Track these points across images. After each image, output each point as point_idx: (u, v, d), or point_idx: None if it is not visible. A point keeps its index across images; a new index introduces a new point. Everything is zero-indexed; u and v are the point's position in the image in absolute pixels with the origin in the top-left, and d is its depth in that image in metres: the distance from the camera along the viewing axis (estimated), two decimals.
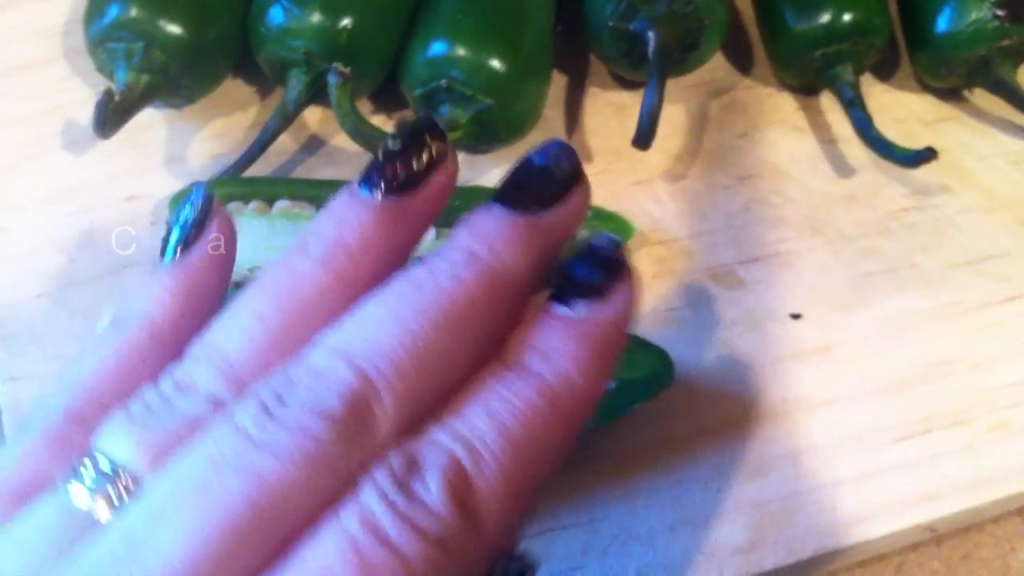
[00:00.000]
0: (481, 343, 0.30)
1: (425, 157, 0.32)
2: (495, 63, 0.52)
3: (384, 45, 0.55)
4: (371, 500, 0.27)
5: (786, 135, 0.58)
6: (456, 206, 0.52)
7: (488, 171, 0.57)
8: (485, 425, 0.28)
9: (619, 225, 0.53)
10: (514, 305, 0.31)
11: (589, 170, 0.54)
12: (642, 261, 0.54)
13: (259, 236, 0.51)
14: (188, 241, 0.34)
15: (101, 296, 0.53)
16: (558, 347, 0.30)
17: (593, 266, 0.32)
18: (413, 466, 0.27)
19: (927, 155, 0.53)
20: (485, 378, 0.30)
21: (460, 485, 0.27)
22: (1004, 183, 0.56)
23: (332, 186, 0.53)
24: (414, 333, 0.29)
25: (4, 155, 0.58)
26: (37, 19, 0.62)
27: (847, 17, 0.55)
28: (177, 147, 0.58)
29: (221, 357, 0.30)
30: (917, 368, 0.51)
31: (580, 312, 0.31)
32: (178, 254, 0.33)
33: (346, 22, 0.53)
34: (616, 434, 0.50)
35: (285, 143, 0.57)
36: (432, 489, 0.27)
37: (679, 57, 0.55)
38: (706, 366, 0.52)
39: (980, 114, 0.58)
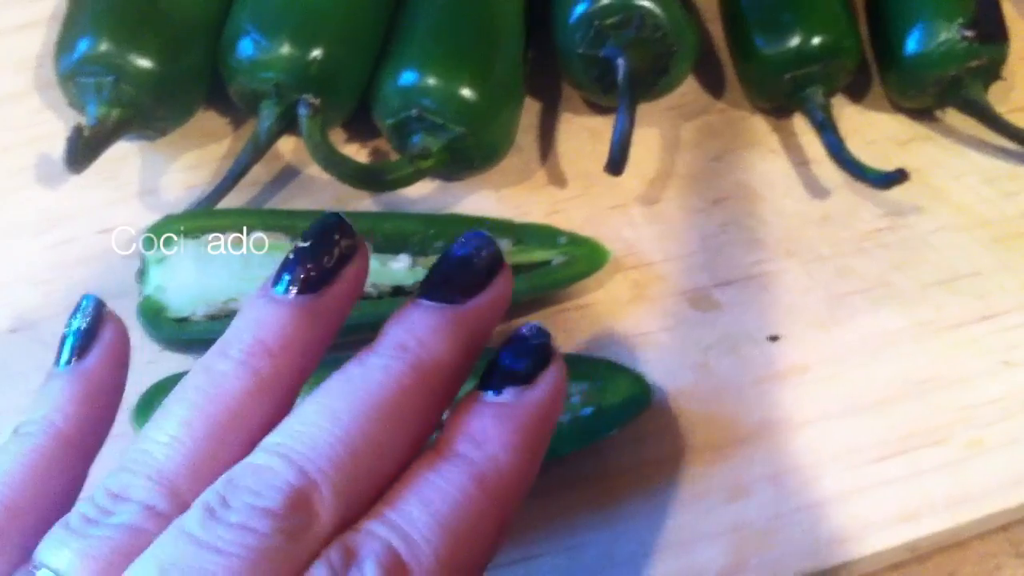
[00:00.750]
0: (415, 430, 0.32)
1: (336, 253, 0.35)
2: (466, 91, 0.52)
3: (355, 75, 0.55)
4: None
5: (760, 157, 0.58)
6: (431, 234, 0.53)
7: (462, 199, 0.57)
8: (419, 513, 0.30)
9: (593, 250, 0.53)
10: (446, 391, 0.33)
11: (564, 195, 0.57)
12: (617, 286, 0.54)
13: (233, 268, 0.51)
14: (82, 348, 0.35)
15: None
16: (488, 433, 0.32)
17: (520, 354, 0.34)
18: (351, 556, 0.29)
19: (899, 176, 0.53)
20: (420, 468, 0.31)
21: (395, 572, 0.29)
22: (977, 201, 0.56)
23: (306, 216, 0.53)
24: (349, 427, 0.30)
25: None
26: (10, 52, 0.62)
27: (816, 40, 0.55)
28: (151, 179, 0.57)
29: (152, 465, 0.31)
30: (895, 387, 0.51)
31: (508, 398, 0.33)
32: (73, 361, 0.35)
33: (316, 53, 0.53)
34: (594, 459, 0.50)
35: (258, 173, 0.57)
36: None
37: (650, 82, 0.56)
38: (684, 389, 0.51)
39: (952, 133, 0.58)
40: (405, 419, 0.32)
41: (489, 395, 0.33)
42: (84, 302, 0.36)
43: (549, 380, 0.34)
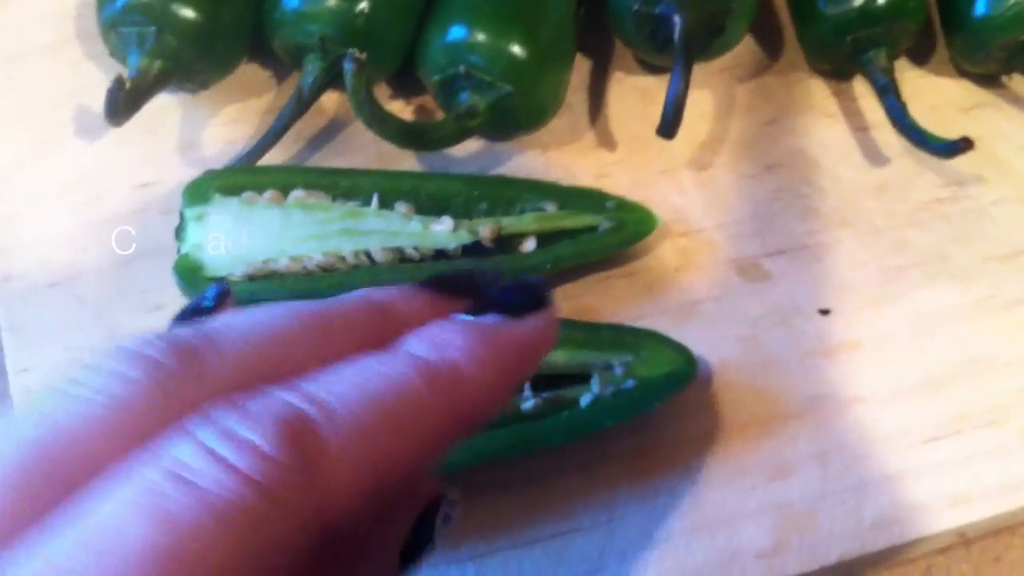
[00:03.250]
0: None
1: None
2: (515, 49, 0.51)
3: (401, 30, 0.54)
4: (181, 442, 0.23)
5: (816, 122, 0.56)
6: (475, 196, 0.51)
7: (508, 160, 0.56)
8: (345, 386, 0.26)
9: (642, 215, 0.52)
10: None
11: (612, 158, 0.55)
12: (665, 253, 0.53)
13: (273, 227, 0.50)
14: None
15: (112, 287, 0.52)
16: (453, 340, 0.28)
17: (513, 291, 0.31)
18: (242, 412, 0.24)
19: (963, 145, 0.51)
20: (358, 356, 0.27)
21: (300, 431, 0.24)
22: None
23: (348, 175, 0.52)
24: (283, 326, 0.27)
25: (15, 142, 0.57)
26: (49, 2, 0.61)
27: (880, 0, 0.53)
28: (191, 133, 0.57)
29: None
30: (948, 366, 0.50)
31: (487, 320, 0.30)
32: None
33: (362, 6, 0.52)
34: (635, 432, 0.49)
35: (301, 129, 0.56)
36: (258, 432, 0.23)
37: (705, 42, 0.54)
38: (730, 362, 0.50)
39: (1018, 101, 0.56)
40: (337, 330, 0.29)
41: (466, 316, 0.30)
42: (209, 291, 0.32)
43: (536, 320, 0.30)
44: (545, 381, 0.48)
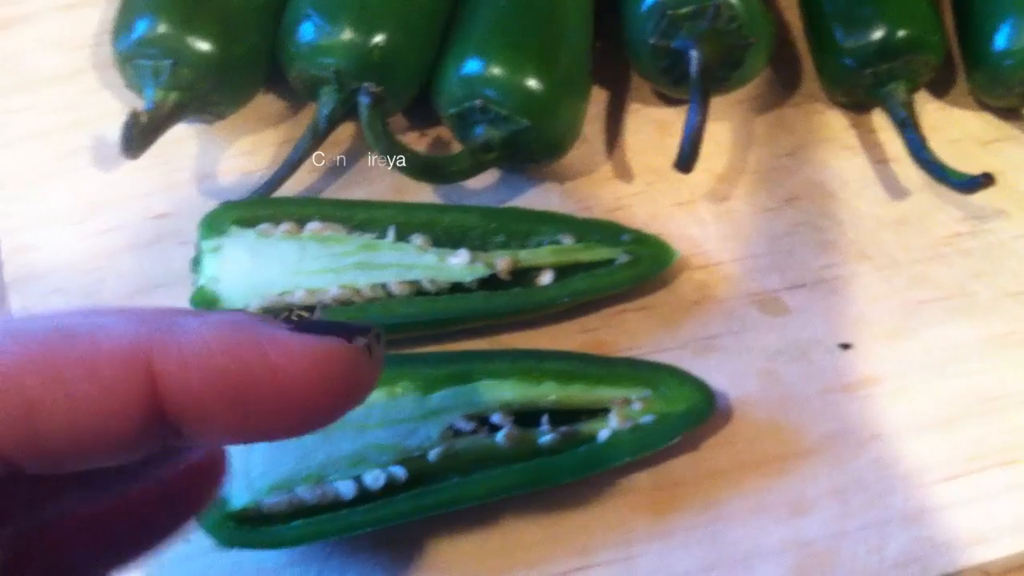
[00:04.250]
0: None
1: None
2: (531, 82, 0.51)
3: (417, 62, 0.54)
4: None
5: (835, 154, 0.56)
6: (492, 228, 0.51)
7: (525, 191, 0.55)
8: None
9: (659, 249, 0.52)
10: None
11: (629, 190, 0.55)
12: (682, 286, 0.52)
13: (289, 259, 0.50)
14: None
15: None
16: (190, 324, 0.26)
17: (325, 323, 0.27)
18: None
19: (983, 181, 0.51)
20: None
21: None
22: None
23: (364, 207, 0.52)
24: None
25: (31, 170, 0.57)
26: (65, 30, 0.61)
27: (900, 34, 0.52)
28: (207, 164, 0.56)
29: None
30: (967, 403, 0.49)
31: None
32: None
33: (378, 39, 0.52)
34: (653, 467, 0.48)
35: (317, 161, 0.56)
36: None
37: (723, 75, 0.53)
38: (748, 397, 0.50)
39: None
40: None
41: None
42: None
43: (328, 348, 0.26)
44: (563, 416, 0.47)
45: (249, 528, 0.45)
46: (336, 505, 0.46)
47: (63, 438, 0.25)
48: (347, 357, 0.26)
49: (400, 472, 0.46)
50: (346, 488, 0.46)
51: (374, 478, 0.46)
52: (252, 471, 0.46)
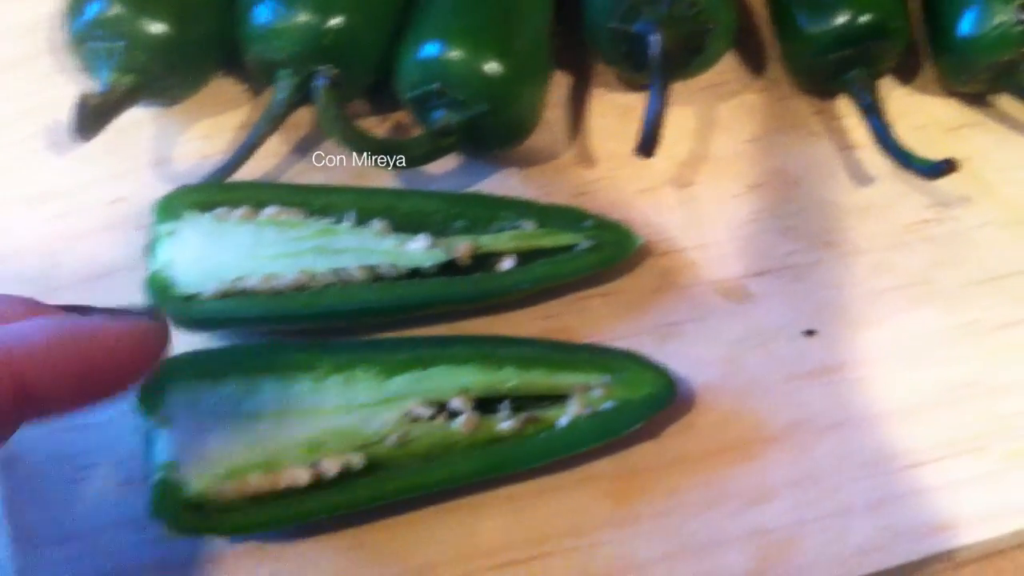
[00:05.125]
0: None
1: None
2: (490, 66, 0.50)
3: (374, 46, 0.53)
4: None
5: (800, 141, 0.55)
6: (452, 214, 0.51)
7: (486, 177, 0.55)
8: None
9: (621, 235, 0.51)
10: None
11: (591, 176, 0.54)
12: (645, 273, 0.52)
13: (245, 244, 0.49)
14: None
15: (86, 300, 0.50)
16: (34, 330, 0.36)
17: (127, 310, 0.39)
18: None
19: (947, 167, 0.50)
20: None
21: None
22: None
23: (323, 192, 0.51)
24: None
25: None
26: (19, 12, 0.60)
27: (863, 19, 0.52)
28: (164, 148, 0.56)
29: None
30: (932, 391, 0.49)
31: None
32: None
33: (334, 22, 0.51)
34: (614, 455, 0.48)
35: (275, 146, 0.55)
36: None
37: (683, 61, 0.53)
38: (710, 384, 0.49)
39: (1005, 120, 0.55)
40: None
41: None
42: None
43: (118, 326, 0.38)
44: (523, 402, 0.47)
45: (204, 516, 0.45)
46: (292, 492, 0.45)
47: None
48: (153, 328, 0.39)
49: (357, 459, 0.45)
50: (301, 475, 0.45)
51: (330, 464, 0.45)
52: (206, 458, 0.45)
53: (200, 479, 0.45)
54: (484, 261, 0.50)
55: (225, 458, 0.45)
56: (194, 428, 0.45)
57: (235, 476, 0.45)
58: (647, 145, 0.49)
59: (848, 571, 0.45)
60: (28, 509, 0.47)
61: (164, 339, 0.40)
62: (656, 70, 0.50)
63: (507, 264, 0.50)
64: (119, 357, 0.37)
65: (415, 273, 0.50)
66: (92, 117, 0.50)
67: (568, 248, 0.51)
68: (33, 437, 0.44)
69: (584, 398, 0.47)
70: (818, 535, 0.46)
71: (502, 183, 0.54)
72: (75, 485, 0.48)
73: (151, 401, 0.45)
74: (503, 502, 0.47)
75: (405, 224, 0.51)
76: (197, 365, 0.46)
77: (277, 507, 0.45)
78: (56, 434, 0.48)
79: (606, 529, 0.47)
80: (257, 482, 0.45)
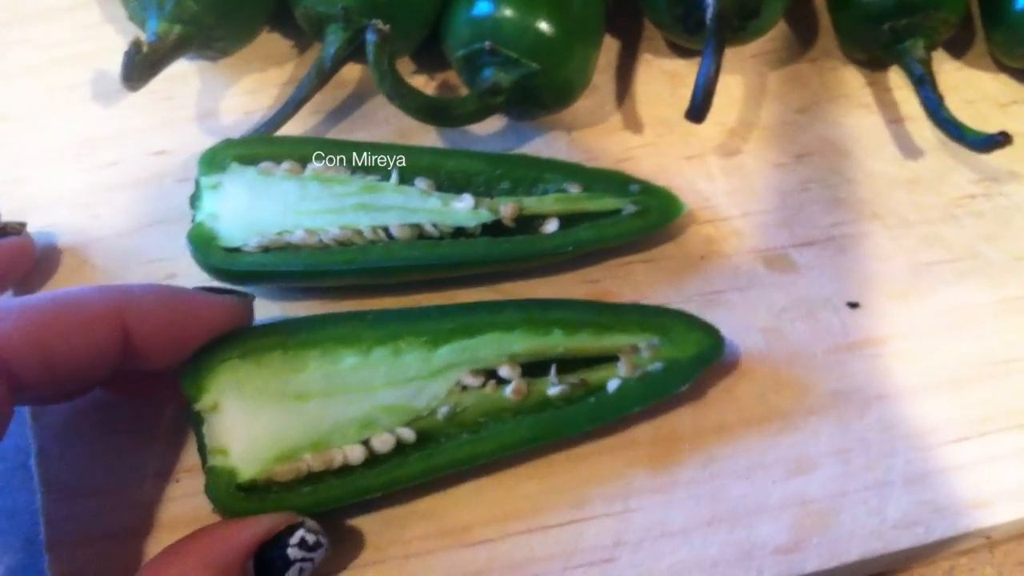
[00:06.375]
0: None
1: None
2: (542, 26, 0.50)
3: (426, 2, 0.53)
4: None
5: (849, 112, 0.55)
6: (497, 175, 0.50)
7: (532, 139, 0.54)
8: None
9: (667, 201, 0.51)
10: None
11: (638, 141, 0.54)
12: (689, 240, 0.52)
13: (289, 198, 0.49)
14: None
15: (126, 253, 0.52)
16: (143, 291, 0.42)
17: (219, 288, 0.46)
18: None
19: (1000, 140, 0.50)
20: None
21: None
22: None
23: (368, 148, 0.51)
24: None
25: (29, 103, 0.56)
26: None
27: None
28: (209, 102, 0.56)
29: None
30: (976, 365, 0.49)
31: None
32: None
33: None
34: (655, 421, 0.48)
35: (321, 102, 0.55)
36: None
37: (739, 25, 0.52)
38: (752, 354, 0.49)
39: None
40: None
41: None
42: None
43: None
44: (571, 366, 0.47)
45: (258, 498, 0.44)
46: (345, 470, 0.45)
47: (66, 370, 0.40)
48: (238, 303, 0.45)
49: (408, 434, 0.45)
50: (354, 453, 0.45)
51: (382, 441, 0.45)
52: (258, 442, 0.44)
53: (252, 463, 0.44)
54: (527, 223, 0.50)
55: (276, 440, 0.44)
56: (243, 411, 0.44)
57: (287, 458, 0.44)
58: (698, 109, 0.49)
59: (885, 545, 0.45)
60: (59, 462, 0.47)
61: (248, 315, 0.46)
62: (713, 31, 0.50)
63: (551, 227, 0.50)
64: (209, 324, 0.43)
65: (459, 232, 0.49)
66: (142, 66, 0.50)
67: (612, 213, 0.50)
68: None
69: (632, 359, 0.46)
70: (857, 507, 0.46)
71: (547, 146, 0.54)
72: (107, 439, 0.48)
73: (196, 386, 0.44)
74: (541, 467, 0.47)
75: (449, 184, 0.50)
76: (241, 345, 0.45)
77: (331, 487, 0.44)
78: None
79: (643, 495, 0.46)
80: (310, 462, 0.44)
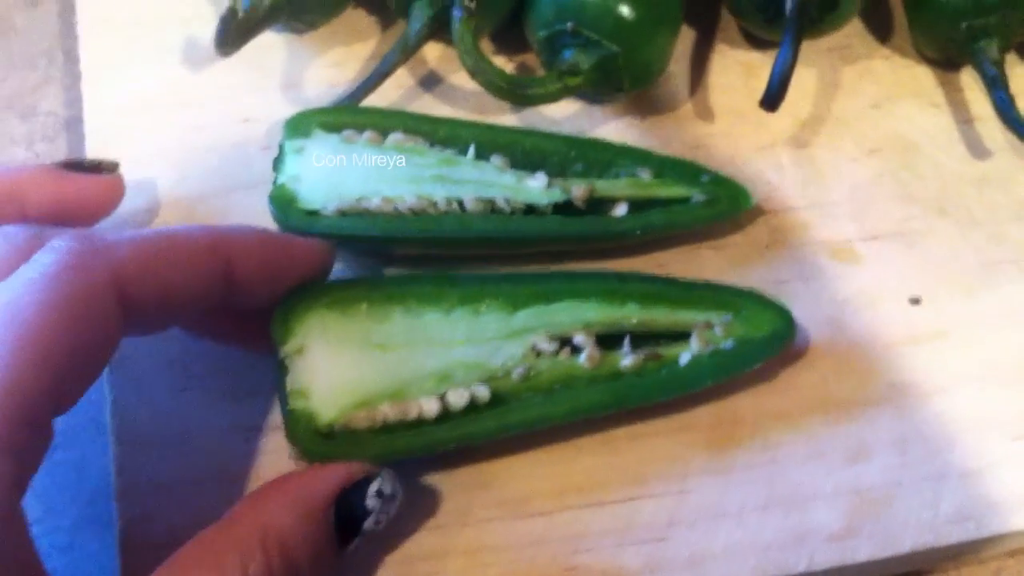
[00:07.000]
0: None
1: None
2: (624, 8, 0.51)
3: None
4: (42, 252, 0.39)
5: (921, 109, 0.55)
6: (571, 156, 0.51)
7: (605, 123, 0.55)
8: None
9: (736, 193, 0.52)
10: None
11: (709, 130, 0.55)
12: (756, 229, 0.52)
13: (369, 167, 0.50)
14: None
15: (208, 217, 0.53)
16: (244, 229, 0.45)
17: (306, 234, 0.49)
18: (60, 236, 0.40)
19: None
20: None
21: (85, 236, 0.41)
22: None
23: (448, 123, 0.52)
24: None
25: (121, 57, 0.57)
26: None
27: None
28: (295, 72, 0.57)
29: None
30: None
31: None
32: None
33: None
34: (715, 404, 0.48)
35: (403, 77, 0.56)
36: (67, 238, 0.40)
37: (816, 17, 0.53)
38: (814, 343, 0.50)
39: None
40: None
41: None
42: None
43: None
44: (644, 339, 0.47)
45: (336, 444, 0.45)
46: (419, 423, 0.46)
47: (177, 299, 0.42)
48: (325, 246, 0.47)
49: (483, 391, 0.46)
50: (430, 406, 0.45)
51: (458, 396, 0.46)
52: (339, 387, 0.45)
53: (332, 407, 0.45)
54: (598, 205, 0.51)
55: (356, 386, 0.45)
56: (326, 356, 0.46)
57: (366, 405, 0.45)
58: (773, 97, 0.50)
59: (937, 538, 0.45)
60: (133, 411, 0.48)
61: (332, 261, 0.47)
62: (792, 20, 0.50)
63: (621, 210, 0.51)
64: (300, 263, 0.46)
65: (530, 210, 0.50)
66: (236, 32, 0.51)
67: (682, 200, 0.51)
68: (144, 342, 0.47)
69: (705, 335, 0.47)
70: (911, 498, 0.46)
71: (620, 131, 0.55)
72: (181, 393, 0.49)
73: (285, 329, 0.45)
74: (599, 444, 0.48)
75: (524, 162, 0.51)
76: (329, 295, 0.46)
77: (406, 436, 0.45)
78: (164, 343, 0.48)
79: (699, 476, 0.47)
80: (387, 411, 0.45)
